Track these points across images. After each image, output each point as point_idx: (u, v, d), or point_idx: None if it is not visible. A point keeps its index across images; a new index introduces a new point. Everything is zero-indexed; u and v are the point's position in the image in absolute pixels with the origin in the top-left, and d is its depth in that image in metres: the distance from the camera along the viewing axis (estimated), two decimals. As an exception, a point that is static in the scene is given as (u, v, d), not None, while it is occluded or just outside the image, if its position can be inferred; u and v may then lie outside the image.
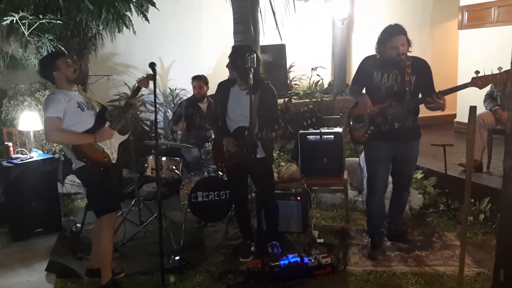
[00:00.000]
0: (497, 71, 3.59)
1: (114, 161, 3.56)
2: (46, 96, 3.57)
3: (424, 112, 3.93)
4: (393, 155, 3.90)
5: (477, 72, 3.50)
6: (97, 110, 3.64)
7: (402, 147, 3.85)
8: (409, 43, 3.69)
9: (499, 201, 3.85)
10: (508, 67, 3.89)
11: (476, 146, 5.06)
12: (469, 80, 3.57)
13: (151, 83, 3.70)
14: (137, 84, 3.83)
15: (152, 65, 3.44)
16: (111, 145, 3.55)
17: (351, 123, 4.02)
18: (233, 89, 3.94)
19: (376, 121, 3.79)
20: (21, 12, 5.25)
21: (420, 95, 3.77)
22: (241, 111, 3.85)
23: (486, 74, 3.49)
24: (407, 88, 3.70)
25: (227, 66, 3.90)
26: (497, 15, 6.78)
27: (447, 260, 3.87)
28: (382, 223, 4.16)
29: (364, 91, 3.92)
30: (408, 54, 3.73)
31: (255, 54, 3.42)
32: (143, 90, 7.43)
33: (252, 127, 3.55)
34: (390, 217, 4.28)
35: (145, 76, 3.85)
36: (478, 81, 3.50)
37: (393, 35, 3.64)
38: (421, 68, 3.77)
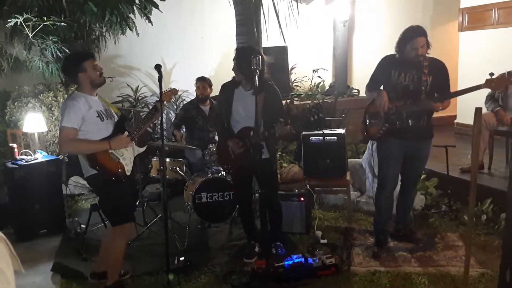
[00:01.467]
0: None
1: (128, 173, 3.46)
2: (66, 99, 3.43)
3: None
4: (405, 153, 3.96)
5: (491, 74, 3.53)
6: (116, 118, 3.54)
7: (414, 145, 3.91)
8: (428, 45, 3.75)
9: (503, 202, 3.88)
10: (510, 68, 3.95)
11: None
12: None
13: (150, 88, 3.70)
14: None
15: (158, 67, 3.40)
16: (127, 156, 3.46)
17: (367, 119, 4.07)
18: (238, 90, 3.96)
19: (391, 118, 3.85)
20: (25, 14, 5.25)
21: (436, 95, 3.82)
22: (246, 112, 3.87)
23: (500, 75, 3.52)
24: (423, 88, 3.76)
25: (233, 69, 3.93)
26: (498, 17, 6.80)
27: (450, 261, 3.90)
28: (388, 220, 4.20)
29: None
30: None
31: (260, 56, 3.45)
32: (145, 92, 7.53)
33: (258, 128, 3.57)
34: (398, 216, 4.34)
35: (168, 90, 3.84)
36: (491, 83, 3.54)
37: (414, 37, 3.70)
38: (438, 69, 3.83)
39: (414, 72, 3.80)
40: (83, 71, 3.33)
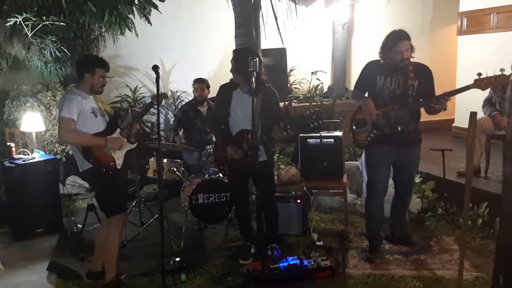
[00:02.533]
0: (499, 73, 3.61)
1: (119, 167, 3.61)
2: (64, 94, 3.66)
3: (422, 116, 3.97)
4: (394, 160, 3.95)
5: (479, 74, 3.54)
6: (109, 117, 3.70)
7: (403, 152, 3.90)
8: (412, 49, 3.74)
9: (499, 206, 3.90)
10: (509, 71, 3.95)
11: (474, 151, 5.09)
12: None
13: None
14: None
15: (155, 68, 3.40)
16: (119, 150, 3.62)
17: (354, 127, 4.05)
18: (236, 92, 3.97)
19: (378, 124, 3.82)
20: (24, 14, 5.27)
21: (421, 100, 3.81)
22: (244, 114, 3.88)
23: (488, 75, 3.53)
24: (409, 92, 3.74)
25: (231, 70, 3.93)
26: (496, 21, 6.82)
27: (445, 264, 3.90)
28: (380, 227, 4.20)
29: (366, 95, 3.96)
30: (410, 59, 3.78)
31: (257, 58, 3.45)
32: (145, 92, 7.53)
33: (255, 130, 3.58)
34: (393, 220, 4.33)
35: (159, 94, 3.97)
36: (480, 83, 3.53)
37: (398, 40, 3.68)
38: (423, 73, 3.82)
39: (399, 76, 3.77)
40: (91, 73, 3.53)
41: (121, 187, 3.75)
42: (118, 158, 3.61)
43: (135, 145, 3.78)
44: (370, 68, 3.92)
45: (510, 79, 3.48)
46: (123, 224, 3.81)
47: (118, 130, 3.64)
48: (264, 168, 3.93)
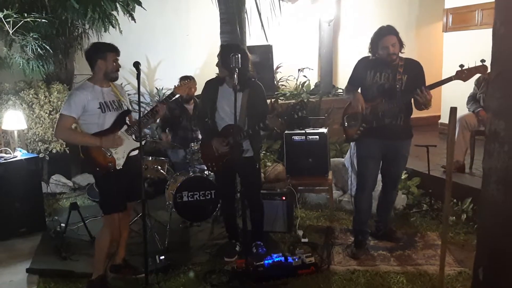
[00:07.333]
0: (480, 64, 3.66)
1: (119, 167, 3.50)
2: (75, 86, 3.54)
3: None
4: (383, 153, 3.98)
5: (461, 65, 3.58)
6: (121, 111, 3.56)
7: (393, 145, 3.93)
8: (401, 44, 3.80)
9: (479, 201, 3.92)
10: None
11: (459, 147, 5.14)
12: (454, 82, 3.64)
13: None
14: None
15: (136, 65, 3.40)
16: (121, 149, 3.50)
17: (345, 122, 4.09)
18: (222, 87, 3.94)
19: (367, 118, 3.87)
20: (5, 10, 5.19)
21: None
22: (231, 110, 3.83)
23: (469, 67, 3.57)
24: (397, 86, 3.78)
25: (217, 64, 3.91)
26: (481, 18, 6.86)
27: (429, 259, 3.92)
28: (367, 221, 4.21)
29: (359, 91, 4.00)
30: (401, 55, 3.83)
31: (239, 54, 3.42)
32: (130, 90, 7.44)
33: (238, 126, 3.54)
34: (379, 216, 4.36)
35: (184, 83, 3.93)
36: (462, 74, 3.61)
37: (383, 36, 3.75)
38: (414, 68, 3.86)
39: (389, 71, 3.83)
40: (103, 59, 3.45)
41: (118, 187, 3.54)
42: (119, 158, 3.50)
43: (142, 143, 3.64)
44: (361, 64, 3.98)
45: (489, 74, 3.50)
46: (114, 225, 3.62)
47: (125, 127, 3.54)
48: (250, 165, 3.92)
